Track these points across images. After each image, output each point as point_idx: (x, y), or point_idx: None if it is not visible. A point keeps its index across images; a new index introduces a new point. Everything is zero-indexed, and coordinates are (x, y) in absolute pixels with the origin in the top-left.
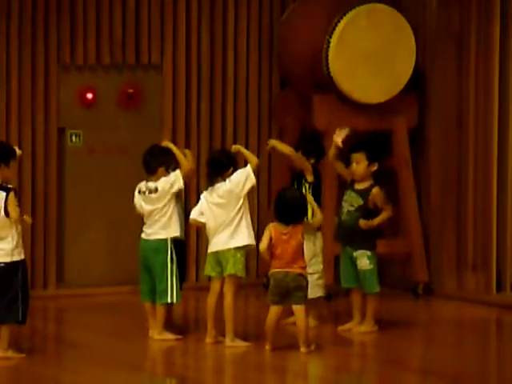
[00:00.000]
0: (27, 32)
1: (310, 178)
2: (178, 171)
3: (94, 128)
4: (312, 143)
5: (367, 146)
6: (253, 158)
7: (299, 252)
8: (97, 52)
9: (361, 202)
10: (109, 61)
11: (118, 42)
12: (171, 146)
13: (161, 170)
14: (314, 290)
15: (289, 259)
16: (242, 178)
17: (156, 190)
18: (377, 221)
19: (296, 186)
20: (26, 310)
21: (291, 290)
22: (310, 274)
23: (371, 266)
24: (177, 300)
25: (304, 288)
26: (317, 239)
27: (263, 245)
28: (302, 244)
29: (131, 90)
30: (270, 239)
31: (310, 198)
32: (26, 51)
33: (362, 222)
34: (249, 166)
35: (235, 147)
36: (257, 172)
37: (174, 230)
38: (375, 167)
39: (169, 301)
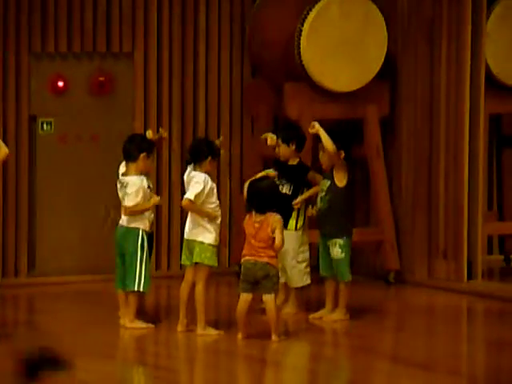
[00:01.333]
0: None
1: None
2: (137, 178)
3: (66, 116)
4: (292, 130)
5: (333, 135)
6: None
7: (268, 241)
8: (68, 40)
9: (328, 183)
10: (80, 49)
11: (89, 30)
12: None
13: (142, 156)
14: (304, 278)
15: (257, 247)
16: (192, 184)
17: (126, 185)
18: (304, 195)
19: (292, 189)
20: None
21: (259, 279)
22: (299, 262)
23: (342, 255)
24: (144, 288)
25: (272, 277)
26: (304, 228)
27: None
28: (272, 236)
29: (102, 78)
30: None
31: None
32: None
33: (294, 203)
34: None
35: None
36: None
37: (144, 223)
38: (341, 156)
39: (135, 289)
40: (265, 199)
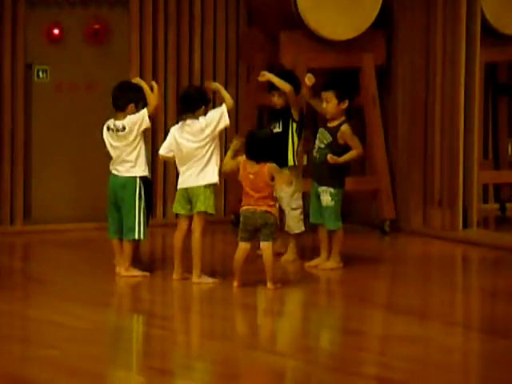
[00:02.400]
0: None
1: (296, 117)
2: (144, 110)
3: (61, 64)
4: (289, 78)
5: (337, 85)
6: (229, 98)
7: (266, 191)
8: None
9: (330, 138)
10: None
11: None
12: (141, 82)
13: (130, 106)
14: (299, 225)
15: (256, 197)
16: (216, 117)
17: (123, 128)
18: (343, 158)
19: (282, 125)
20: None
21: (259, 227)
22: (294, 209)
23: (332, 204)
24: (143, 236)
25: (271, 225)
26: (298, 176)
27: (225, 160)
28: (270, 185)
29: (97, 26)
30: (238, 173)
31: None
32: None
33: (329, 157)
34: (224, 105)
35: (213, 84)
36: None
37: (143, 169)
38: (345, 105)
39: (136, 237)
40: (263, 149)
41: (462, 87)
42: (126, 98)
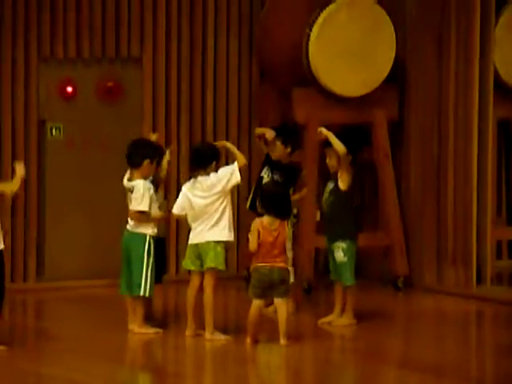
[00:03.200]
0: (7, 24)
1: (343, 185)
2: (144, 182)
3: (75, 121)
4: (291, 133)
5: (341, 139)
6: (241, 157)
7: (284, 247)
8: (77, 45)
9: (331, 186)
10: (88, 54)
11: (98, 34)
12: (227, 144)
13: (146, 162)
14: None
15: (274, 254)
16: (228, 174)
17: (133, 190)
18: (297, 195)
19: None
20: (1, 303)
21: (276, 284)
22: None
23: (345, 259)
24: (149, 293)
25: (287, 282)
26: (289, 227)
27: (253, 245)
28: (285, 240)
29: (111, 84)
30: (258, 235)
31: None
32: (6, 44)
33: (319, 130)
34: (236, 163)
35: (226, 143)
36: (243, 170)
37: (151, 229)
38: (349, 159)
39: (141, 293)
40: (285, 205)
41: (475, 143)
42: (141, 155)
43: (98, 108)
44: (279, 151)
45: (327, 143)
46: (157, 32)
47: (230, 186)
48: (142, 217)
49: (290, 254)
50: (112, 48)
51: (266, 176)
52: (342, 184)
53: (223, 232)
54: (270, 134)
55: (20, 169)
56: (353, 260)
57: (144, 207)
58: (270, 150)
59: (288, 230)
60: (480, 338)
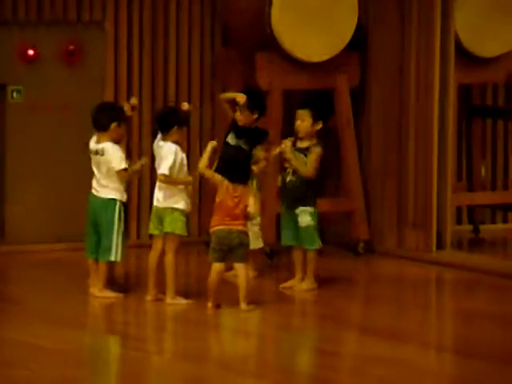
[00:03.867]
0: None
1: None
2: (120, 155)
3: (36, 84)
4: (257, 98)
5: (313, 104)
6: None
7: (244, 212)
8: (38, 8)
9: (304, 159)
10: (50, 17)
11: None
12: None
13: (113, 125)
14: (257, 241)
15: (232, 217)
16: (166, 157)
17: (102, 153)
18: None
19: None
20: None
21: (234, 247)
22: (253, 224)
23: (312, 223)
24: (120, 258)
25: (246, 245)
26: (257, 192)
27: (202, 164)
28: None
29: (72, 47)
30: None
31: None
32: None
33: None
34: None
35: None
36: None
37: (121, 195)
38: (319, 126)
39: (112, 259)
40: (243, 171)
41: (435, 109)
42: (108, 118)
43: (60, 71)
44: (245, 117)
45: (301, 105)
46: None
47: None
48: (127, 175)
49: (259, 219)
50: (74, 11)
51: (231, 142)
52: (308, 169)
53: (179, 202)
54: (241, 97)
55: None
56: (317, 224)
57: (125, 165)
58: (237, 115)
59: (256, 193)
60: (439, 303)
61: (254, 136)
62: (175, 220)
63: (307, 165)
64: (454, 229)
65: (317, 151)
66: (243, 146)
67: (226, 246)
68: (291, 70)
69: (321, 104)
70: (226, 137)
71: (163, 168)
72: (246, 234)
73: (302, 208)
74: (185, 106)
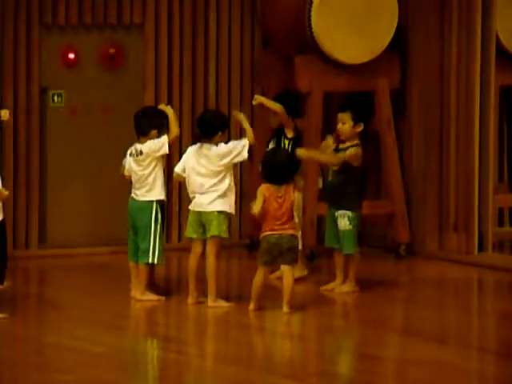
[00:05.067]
0: None
1: (290, 134)
2: (165, 137)
3: (76, 88)
4: (293, 101)
5: (354, 107)
6: (250, 134)
7: (292, 212)
8: (78, 12)
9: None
10: (90, 20)
11: (100, 1)
12: (167, 109)
13: (153, 132)
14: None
15: (282, 221)
16: (235, 151)
17: (141, 153)
18: (315, 155)
19: (275, 142)
20: (4, 271)
21: (284, 251)
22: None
23: (350, 227)
24: (158, 261)
25: (296, 249)
26: (297, 195)
27: (257, 209)
28: (292, 207)
29: (113, 50)
30: (264, 202)
31: None
32: (8, 12)
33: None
34: (246, 140)
35: (240, 115)
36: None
37: (159, 193)
38: (360, 128)
39: (150, 261)
40: (286, 172)
41: (476, 111)
42: (150, 124)
43: (100, 75)
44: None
45: (339, 109)
46: None
47: (233, 162)
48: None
49: (297, 220)
50: (114, 14)
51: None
52: (353, 160)
53: (227, 205)
54: (277, 107)
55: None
56: (357, 229)
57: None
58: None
59: (298, 195)
60: (481, 306)
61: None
62: (221, 223)
63: (340, 155)
64: (496, 230)
65: (351, 150)
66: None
67: (276, 251)
68: (331, 72)
69: (361, 106)
70: (268, 143)
71: (241, 156)
72: (296, 237)
73: (340, 211)
74: (236, 114)
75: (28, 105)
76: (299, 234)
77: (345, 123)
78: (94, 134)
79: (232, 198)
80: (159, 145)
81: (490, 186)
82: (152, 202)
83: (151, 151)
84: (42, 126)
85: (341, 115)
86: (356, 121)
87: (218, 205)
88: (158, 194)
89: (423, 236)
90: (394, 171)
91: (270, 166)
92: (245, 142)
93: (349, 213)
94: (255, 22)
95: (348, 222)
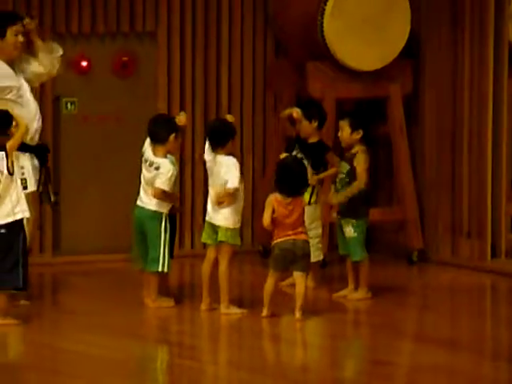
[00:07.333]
0: (22, 0)
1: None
2: (172, 171)
3: (89, 96)
4: (315, 107)
5: (351, 114)
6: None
7: (301, 220)
8: (91, 20)
9: (347, 167)
10: (103, 29)
11: (113, 9)
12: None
13: (172, 137)
14: (316, 254)
15: (293, 227)
16: (229, 175)
17: (158, 168)
18: (322, 175)
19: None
20: (27, 276)
21: (297, 258)
22: (311, 238)
23: (355, 235)
24: (166, 269)
25: (309, 255)
26: (317, 205)
27: (266, 221)
28: (303, 212)
29: (126, 58)
30: (273, 211)
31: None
32: None
33: (311, 180)
34: (236, 179)
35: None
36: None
37: (166, 206)
38: (359, 134)
39: (159, 269)
40: (297, 182)
41: (489, 117)
42: (167, 130)
43: (113, 83)
44: (304, 128)
45: (342, 115)
46: (171, 6)
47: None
48: (165, 195)
49: (319, 231)
50: (127, 22)
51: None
52: (360, 182)
53: (230, 220)
54: (296, 112)
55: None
56: (362, 236)
57: (169, 188)
58: (298, 129)
59: (316, 208)
60: (494, 312)
61: (313, 150)
62: (229, 230)
63: (357, 178)
64: (509, 237)
65: (360, 161)
66: (306, 160)
67: (290, 256)
68: (343, 79)
69: (359, 113)
70: (286, 151)
71: (232, 182)
72: (308, 243)
73: (345, 219)
74: (231, 118)
75: (41, 112)
76: (319, 246)
77: (343, 131)
78: (106, 142)
79: (235, 209)
80: (168, 176)
81: (503, 192)
82: (162, 212)
83: (164, 177)
84: (55, 134)
85: (340, 123)
86: (354, 128)
87: (221, 219)
88: (165, 205)
89: (436, 242)
90: (406, 177)
91: (281, 176)
92: (235, 180)
93: (353, 220)
94: (268, 29)
95: (352, 230)
